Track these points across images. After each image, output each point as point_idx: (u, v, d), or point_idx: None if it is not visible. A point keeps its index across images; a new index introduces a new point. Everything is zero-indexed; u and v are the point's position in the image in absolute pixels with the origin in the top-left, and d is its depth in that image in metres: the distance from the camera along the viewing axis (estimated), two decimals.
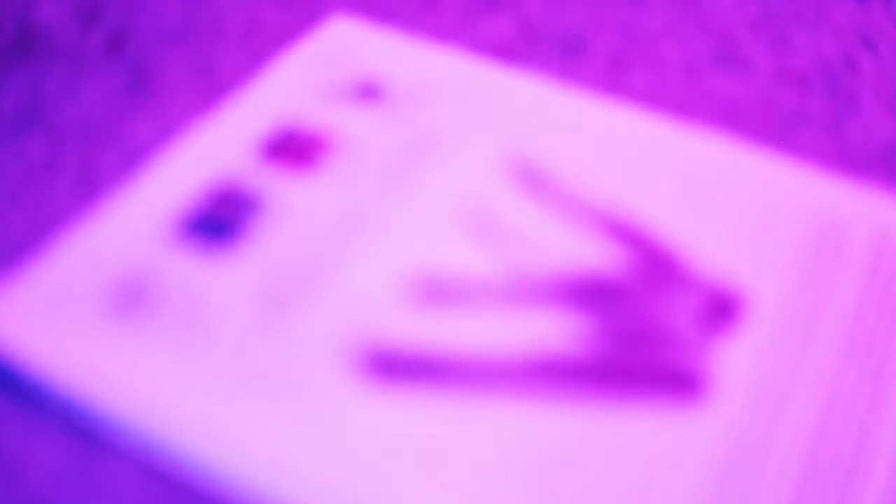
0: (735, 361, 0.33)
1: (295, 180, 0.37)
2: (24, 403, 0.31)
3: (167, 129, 0.40)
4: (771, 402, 0.32)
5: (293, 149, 0.39)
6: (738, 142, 0.41)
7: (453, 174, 0.38)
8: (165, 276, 0.34)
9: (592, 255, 0.36)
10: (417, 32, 0.45)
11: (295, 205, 0.37)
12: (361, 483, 0.29)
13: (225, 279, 0.34)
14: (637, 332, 0.33)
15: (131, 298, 0.33)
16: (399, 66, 0.43)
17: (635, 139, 0.40)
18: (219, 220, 0.36)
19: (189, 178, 0.37)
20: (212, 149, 0.38)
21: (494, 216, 0.37)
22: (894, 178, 0.40)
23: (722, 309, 0.34)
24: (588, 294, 0.34)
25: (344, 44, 0.44)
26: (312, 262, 0.35)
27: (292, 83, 0.41)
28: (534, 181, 0.38)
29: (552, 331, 0.33)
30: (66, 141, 0.39)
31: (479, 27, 0.46)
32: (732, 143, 0.40)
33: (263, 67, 0.43)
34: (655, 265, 0.35)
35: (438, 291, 0.34)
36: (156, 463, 0.30)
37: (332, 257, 0.35)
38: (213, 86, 0.42)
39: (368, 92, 0.41)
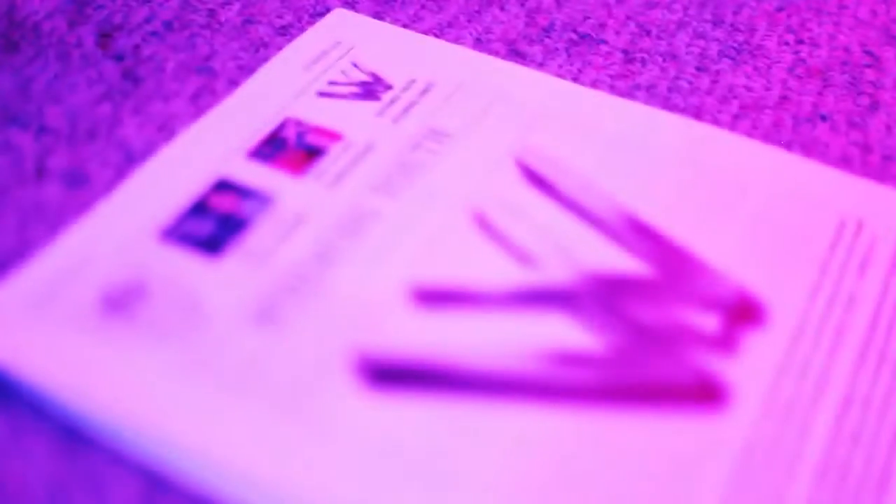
0: (754, 366, 0.32)
1: (294, 178, 0.36)
2: (14, 406, 0.30)
3: (160, 126, 0.39)
4: (789, 407, 0.31)
5: (292, 146, 0.38)
6: (754, 139, 0.40)
7: (460, 171, 0.37)
8: (159, 279, 0.33)
9: (607, 255, 0.35)
10: (422, 24, 0.44)
11: (294, 204, 0.35)
12: (362, 492, 0.28)
13: (220, 281, 0.33)
14: (655, 336, 0.32)
15: (124, 301, 0.32)
16: (402, 59, 0.41)
17: (649, 135, 0.39)
18: (214, 221, 0.35)
19: (183, 178, 0.36)
20: (207, 147, 0.37)
21: (504, 214, 0.36)
22: None
23: (740, 313, 0.33)
24: (603, 296, 0.33)
25: (344, 37, 0.42)
26: (312, 263, 0.34)
27: (291, 78, 0.40)
28: (544, 178, 0.37)
29: (565, 334, 0.32)
30: (55, 139, 0.38)
31: (487, 19, 0.45)
32: (748, 139, 0.39)
33: (261, 61, 0.42)
34: (672, 268, 0.34)
35: (447, 293, 0.33)
36: (151, 466, 0.29)
37: (333, 258, 0.34)
38: (209, 81, 0.41)
39: (370, 86, 0.40)
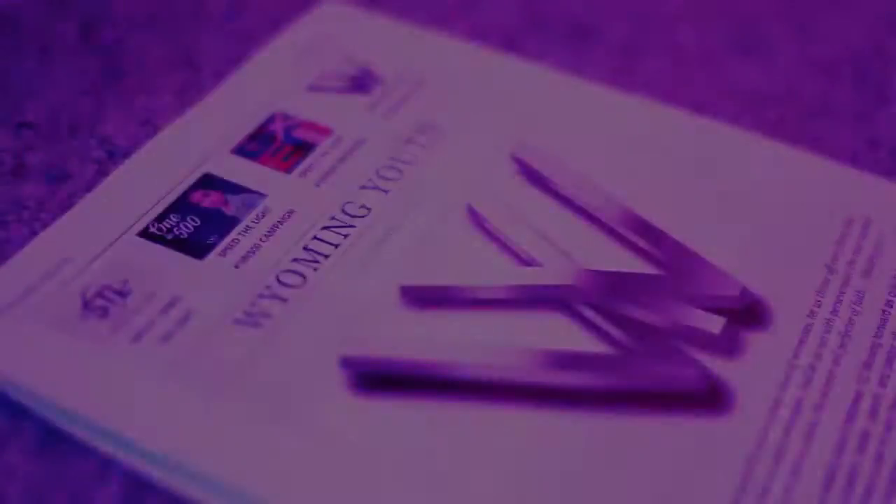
0: (758, 368, 0.31)
1: (281, 175, 0.35)
2: None
3: (144, 121, 0.38)
4: (796, 410, 0.30)
5: (279, 141, 0.36)
6: (759, 134, 0.39)
7: (454, 167, 0.36)
8: (140, 278, 0.32)
9: (607, 254, 0.33)
10: (414, 17, 0.43)
11: (282, 201, 0.34)
12: (350, 498, 0.27)
13: (204, 281, 0.32)
14: (656, 337, 0.31)
15: (104, 301, 0.31)
16: (394, 52, 0.40)
17: (649, 130, 0.38)
18: (198, 219, 0.34)
19: (167, 175, 0.35)
20: (192, 142, 0.36)
21: (500, 212, 0.34)
22: None
23: (744, 314, 0.32)
24: (603, 296, 0.32)
25: (335, 29, 0.41)
26: (299, 262, 0.32)
27: (279, 71, 0.39)
28: (541, 175, 0.36)
29: (565, 335, 0.31)
30: (35, 135, 0.37)
31: (482, 11, 0.44)
32: (753, 135, 0.38)
33: (248, 54, 0.41)
34: (674, 267, 0.33)
35: (441, 293, 0.32)
36: (133, 468, 0.28)
37: (322, 257, 0.33)
38: (194, 75, 0.40)
39: (361, 80, 0.39)
